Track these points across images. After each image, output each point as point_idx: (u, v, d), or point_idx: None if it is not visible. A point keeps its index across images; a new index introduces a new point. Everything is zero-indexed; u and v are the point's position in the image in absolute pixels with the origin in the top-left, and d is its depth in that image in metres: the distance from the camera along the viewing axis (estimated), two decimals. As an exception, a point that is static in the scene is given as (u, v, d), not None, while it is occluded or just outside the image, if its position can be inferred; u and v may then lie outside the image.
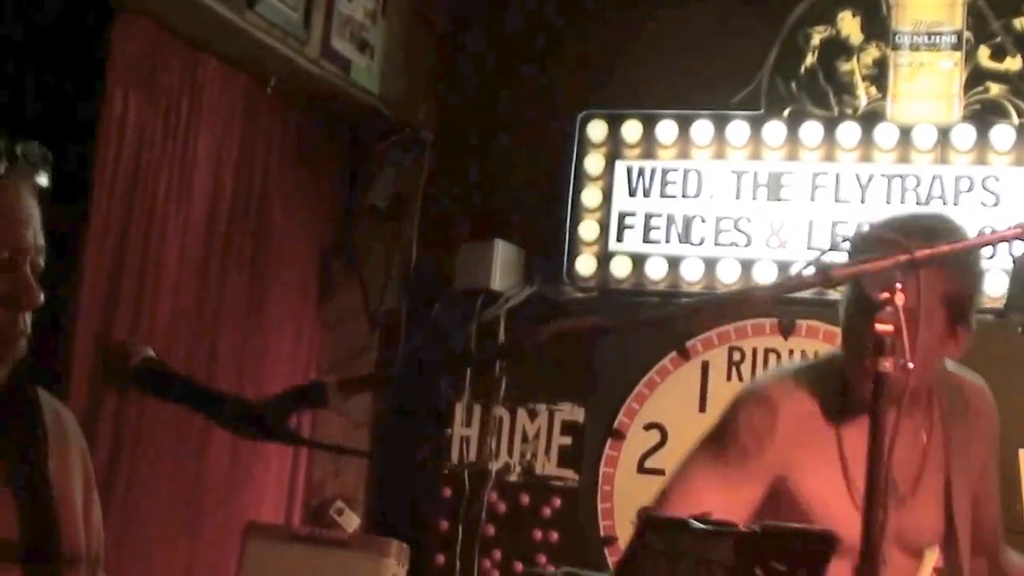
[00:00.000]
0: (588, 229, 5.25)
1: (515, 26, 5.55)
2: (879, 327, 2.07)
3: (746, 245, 5.07)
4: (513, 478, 5.19)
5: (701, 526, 1.60)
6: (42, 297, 1.88)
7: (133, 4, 4.32)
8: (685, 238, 5.16)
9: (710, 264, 5.10)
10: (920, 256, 2.12)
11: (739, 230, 5.09)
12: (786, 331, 4.96)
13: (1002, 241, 2.37)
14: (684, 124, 5.20)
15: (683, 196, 5.19)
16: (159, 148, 4.55)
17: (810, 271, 2.14)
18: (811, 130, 5.06)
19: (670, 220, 5.19)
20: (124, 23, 4.35)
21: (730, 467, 2.68)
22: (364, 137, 5.54)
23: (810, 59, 5.12)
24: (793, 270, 2.16)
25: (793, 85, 5.14)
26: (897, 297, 2.09)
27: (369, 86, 5.22)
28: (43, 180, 1.93)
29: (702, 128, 5.17)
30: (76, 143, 4.28)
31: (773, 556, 1.56)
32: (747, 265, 5.06)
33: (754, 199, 5.10)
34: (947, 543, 2.77)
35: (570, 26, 5.48)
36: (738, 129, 5.14)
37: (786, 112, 5.13)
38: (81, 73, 4.29)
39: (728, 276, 5.08)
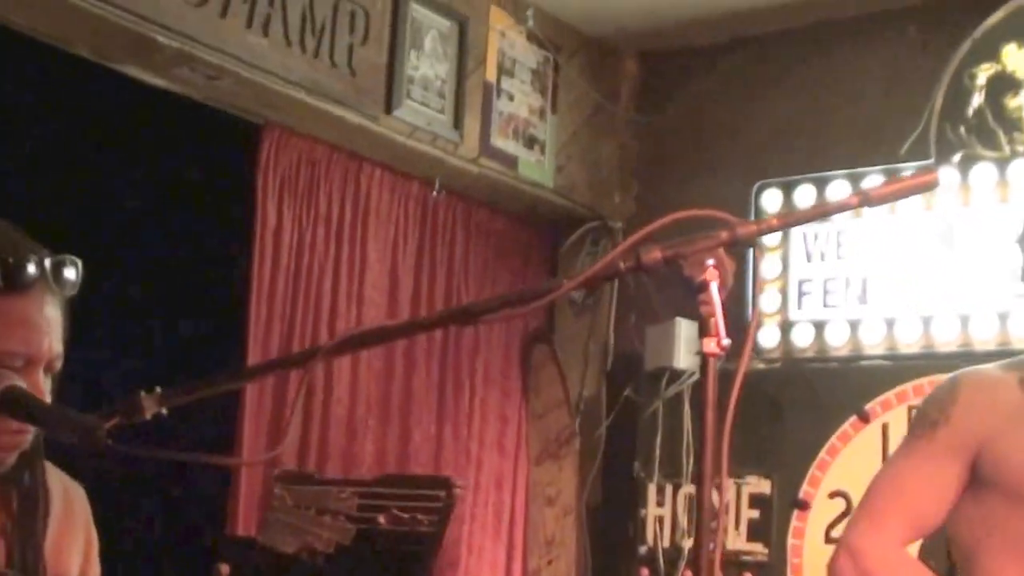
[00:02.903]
0: (769, 299, 5.19)
1: (688, 106, 5.61)
2: (702, 309, 2.04)
3: (925, 301, 4.89)
4: (706, 555, 5.11)
5: (323, 477, 1.66)
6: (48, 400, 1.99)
7: (276, 120, 4.67)
8: (864, 299, 5.02)
9: (890, 324, 4.94)
10: (742, 234, 2.07)
11: (917, 286, 4.91)
12: (966, 386, 4.72)
13: (843, 210, 2.25)
14: (855, 182, 5.08)
15: (859, 257, 5.06)
16: (321, 254, 4.86)
17: (622, 255, 2.11)
18: (984, 173, 4.84)
19: (847, 283, 5.07)
20: (271, 138, 4.67)
21: (921, 442, 2.68)
22: (556, 228, 5.70)
23: (977, 100, 4.91)
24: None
25: (962, 129, 4.93)
26: (709, 275, 2.05)
27: (541, 180, 5.38)
28: (70, 290, 2.04)
29: (874, 184, 5.02)
30: (235, 255, 4.67)
31: (395, 503, 1.59)
32: (927, 321, 4.88)
33: (929, 252, 4.91)
34: None
35: (739, 101, 5.49)
36: (909, 181, 4.97)
37: (956, 157, 4.92)
38: (235, 190, 4.68)
39: (908, 336, 4.90)
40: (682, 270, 2.04)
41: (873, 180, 5.03)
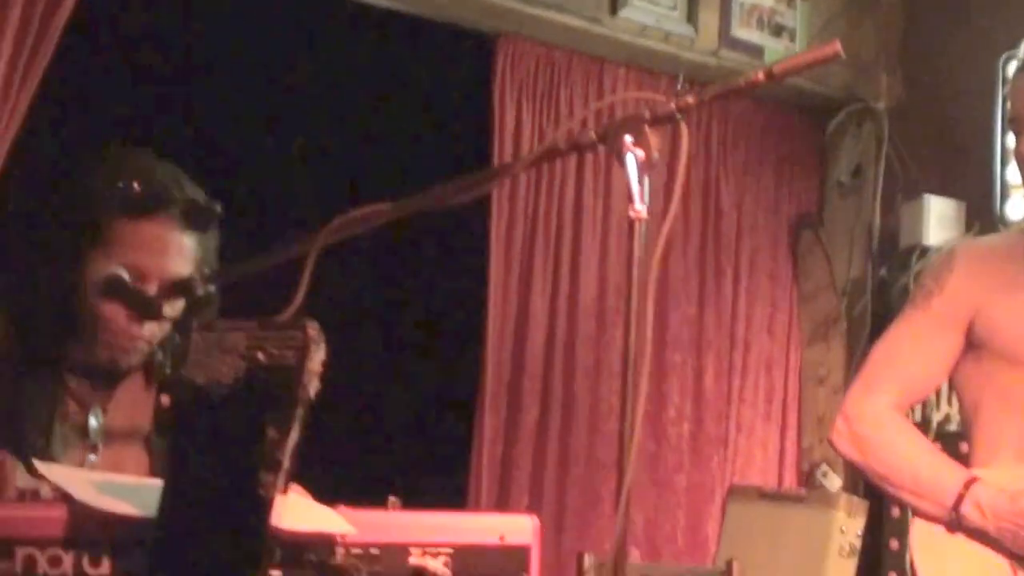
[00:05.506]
0: (1013, 171, 5.08)
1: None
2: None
3: None
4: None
5: (225, 324, 2.00)
6: (165, 311, 2.18)
7: (508, 31, 5.00)
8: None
9: None
10: (662, 112, 2.25)
11: None
12: None
13: (753, 86, 2.32)
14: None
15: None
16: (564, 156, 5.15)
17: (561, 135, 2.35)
18: None
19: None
20: (506, 48, 4.99)
21: (917, 311, 2.84)
22: (818, 116, 5.75)
23: None
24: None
25: None
26: (626, 148, 2.26)
27: (791, 67, 5.42)
28: (201, 226, 2.23)
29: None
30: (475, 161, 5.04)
31: (271, 343, 1.95)
32: None
33: None
34: None
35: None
36: None
37: None
38: (471, 100, 5.06)
39: None
40: (611, 147, 2.27)
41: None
